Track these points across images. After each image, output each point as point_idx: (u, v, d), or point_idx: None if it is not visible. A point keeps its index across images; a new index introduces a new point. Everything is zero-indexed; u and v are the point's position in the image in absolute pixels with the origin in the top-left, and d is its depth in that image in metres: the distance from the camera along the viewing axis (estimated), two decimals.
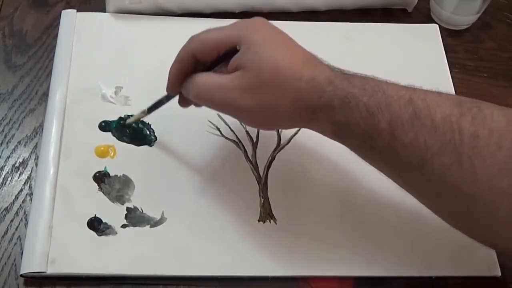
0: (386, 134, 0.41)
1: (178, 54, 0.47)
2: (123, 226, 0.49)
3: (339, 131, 0.43)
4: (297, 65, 0.43)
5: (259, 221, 0.51)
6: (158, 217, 0.50)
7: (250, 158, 0.54)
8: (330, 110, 0.42)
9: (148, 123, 0.55)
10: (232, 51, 0.44)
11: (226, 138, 0.55)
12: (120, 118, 0.55)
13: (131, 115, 0.55)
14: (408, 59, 0.62)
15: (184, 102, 0.49)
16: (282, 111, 0.43)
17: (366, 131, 0.41)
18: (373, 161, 0.44)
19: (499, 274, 0.49)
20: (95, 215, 0.49)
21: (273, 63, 0.42)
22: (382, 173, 0.45)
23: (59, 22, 0.61)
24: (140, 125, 0.55)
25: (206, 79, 0.45)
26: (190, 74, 0.46)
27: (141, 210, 0.50)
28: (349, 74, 0.43)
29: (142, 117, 0.53)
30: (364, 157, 0.45)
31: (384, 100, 0.41)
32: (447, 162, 0.39)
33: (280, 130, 0.56)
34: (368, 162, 0.45)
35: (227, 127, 0.56)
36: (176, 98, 0.50)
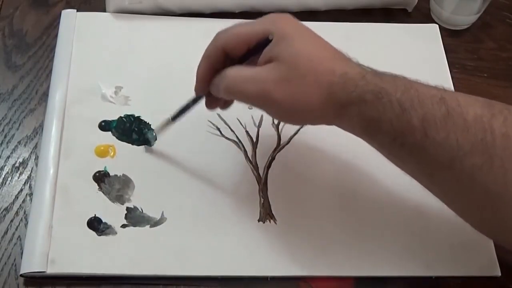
0: (418, 132, 0.40)
1: (205, 51, 0.46)
2: (123, 226, 0.49)
3: (370, 127, 0.42)
4: (330, 59, 0.43)
5: (259, 221, 0.51)
6: (158, 217, 0.50)
7: (250, 158, 0.54)
8: (362, 105, 0.41)
9: (148, 123, 0.55)
10: (262, 44, 0.43)
11: (226, 138, 0.55)
12: (122, 121, 0.55)
13: (131, 115, 0.55)
14: (408, 59, 0.61)
15: (212, 103, 0.49)
16: (314, 104, 0.42)
17: (398, 127, 0.41)
18: (401, 160, 0.44)
19: (499, 274, 0.49)
20: (95, 215, 0.49)
21: (308, 56, 0.42)
22: (407, 174, 0.44)
23: (59, 22, 0.61)
24: (140, 125, 0.55)
25: (237, 71, 0.44)
26: (220, 70, 0.45)
27: (141, 210, 0.50)
28: (379, 71, 0.43)
29: (167, 127, 0.52)
30: (393, 155, 0.44)
31: (417, 97, 0.41)
32: (478, 162, 0.39)
33: (280, 130, 0.56)
34: (395, 161, 0.44)
35: (227, 127, 0.56)
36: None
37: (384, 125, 0.41)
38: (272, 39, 0.43)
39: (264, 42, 0.43)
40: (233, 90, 0.44)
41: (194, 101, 0.49)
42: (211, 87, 0.46)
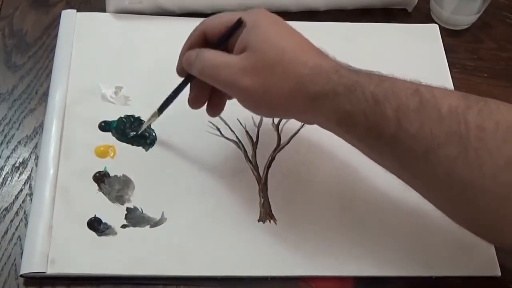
0: (392, 123, 0.41)
1: (189, 34, 0.48)
2: (123, 226, 0.49)
3: (344, 120, 0.42)
4: (303, 51, 0.43)
5: (259, 221, 0.51)
6: (158, 217, 0.50)
7: (250, 158, 0.54)
8: (335, 98, 0.42)
9: None
10: (234, 28, 0.45)
11: (226, 138, 0.55)
12: (122, 122, 0.55)
13: (131, 115, 0.55)
14: (408, 59, 0.61)
15: (195, 101, 0.49)
16: (283, 94, 0.43)
17: (372, 119, 0.41)
18: (377, 153, 0.44)
19: (499, 274, 0.49)
20: (95, 215, 0.49)
21: (278, 45, 0.43)
22: (385, 169, 0.45)
23: (59, 22, 0.61)
24: (140, 126, 0.55)
25: (212, 56, 0.45)
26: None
27: (141, 210, 0.50)
28: (355, 68, 0.44)
29: (154, 120, 0.53)
30: (369, 149, 0.44)
31: (390, 89, 0.41)
32: (453, 153, 0.39)
33: (280, 130, 0.56)
34: (373, 156, 0.45)
35: (227, 127, 0.56)
36: (185, 95, 0.49)
37: (358, 118, 0.42)
38: (242, 22, 0.44)
39: (235, 25, 0.44)
40: (206, 73, 0.45)
41: (177, 89, 0.50)
42: (186, 64, 0.47)
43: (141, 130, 0.54)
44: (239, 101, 0.46)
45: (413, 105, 0.40)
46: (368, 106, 0.41)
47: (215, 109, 0.51)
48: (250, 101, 0.45)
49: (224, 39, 0.46)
